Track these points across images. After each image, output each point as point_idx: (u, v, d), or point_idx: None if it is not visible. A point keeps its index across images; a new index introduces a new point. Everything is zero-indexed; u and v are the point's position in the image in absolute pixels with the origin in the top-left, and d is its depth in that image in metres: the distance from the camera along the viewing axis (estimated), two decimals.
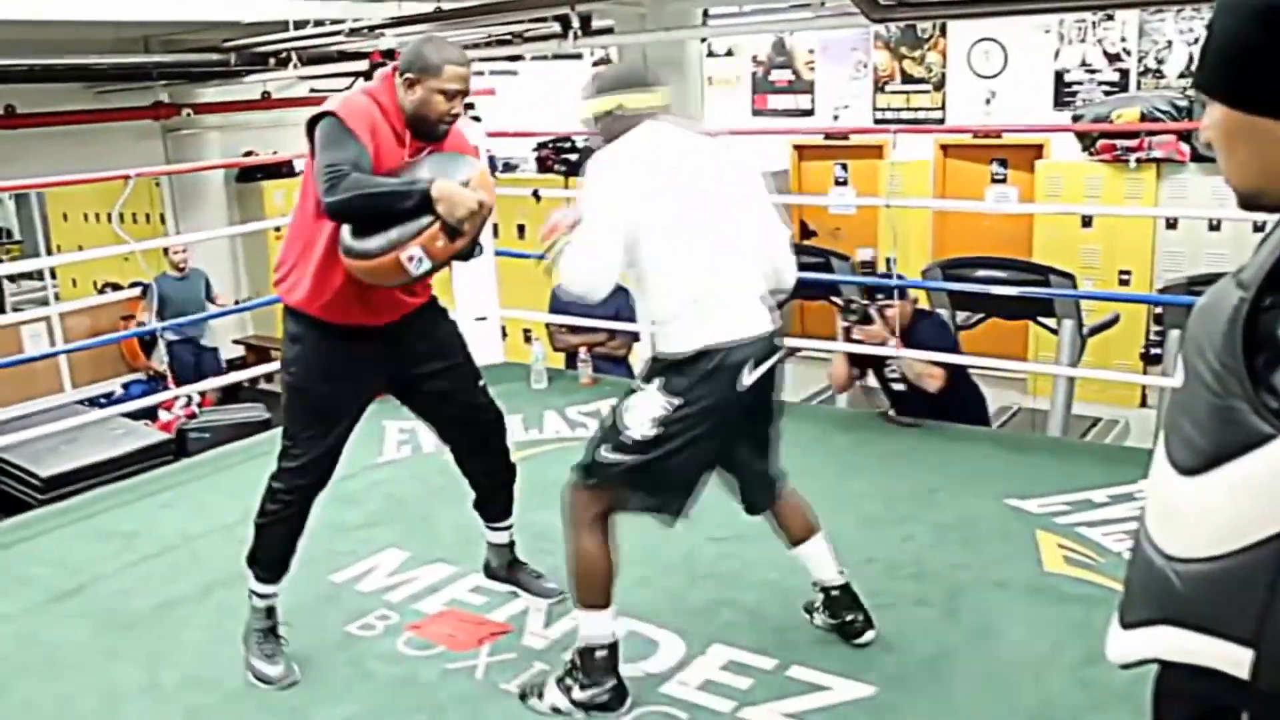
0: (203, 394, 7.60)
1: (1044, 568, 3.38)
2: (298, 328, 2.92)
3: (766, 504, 2.93)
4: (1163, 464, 1.16)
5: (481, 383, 3.19)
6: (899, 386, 4.70)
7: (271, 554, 2.96)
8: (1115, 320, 6.85)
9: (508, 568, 3.37)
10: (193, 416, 7.42)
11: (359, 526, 3.88)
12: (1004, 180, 9.64)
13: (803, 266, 5.13)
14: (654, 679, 2.84)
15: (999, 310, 6.52)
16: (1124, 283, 8.67)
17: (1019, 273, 6.16)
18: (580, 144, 9.71)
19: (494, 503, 3.30)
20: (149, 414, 7.50)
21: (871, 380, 4.86)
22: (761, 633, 3.05)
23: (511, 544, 3.37)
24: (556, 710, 2.74)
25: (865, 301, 4.65)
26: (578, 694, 2.72)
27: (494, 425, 3.20)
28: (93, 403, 8.74)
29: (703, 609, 3.18)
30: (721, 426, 2.65)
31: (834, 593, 3.01)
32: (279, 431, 3.04)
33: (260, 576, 2.98)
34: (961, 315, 6.60)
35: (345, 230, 2.72)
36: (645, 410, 2.60)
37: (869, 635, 3.00)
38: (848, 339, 4.71)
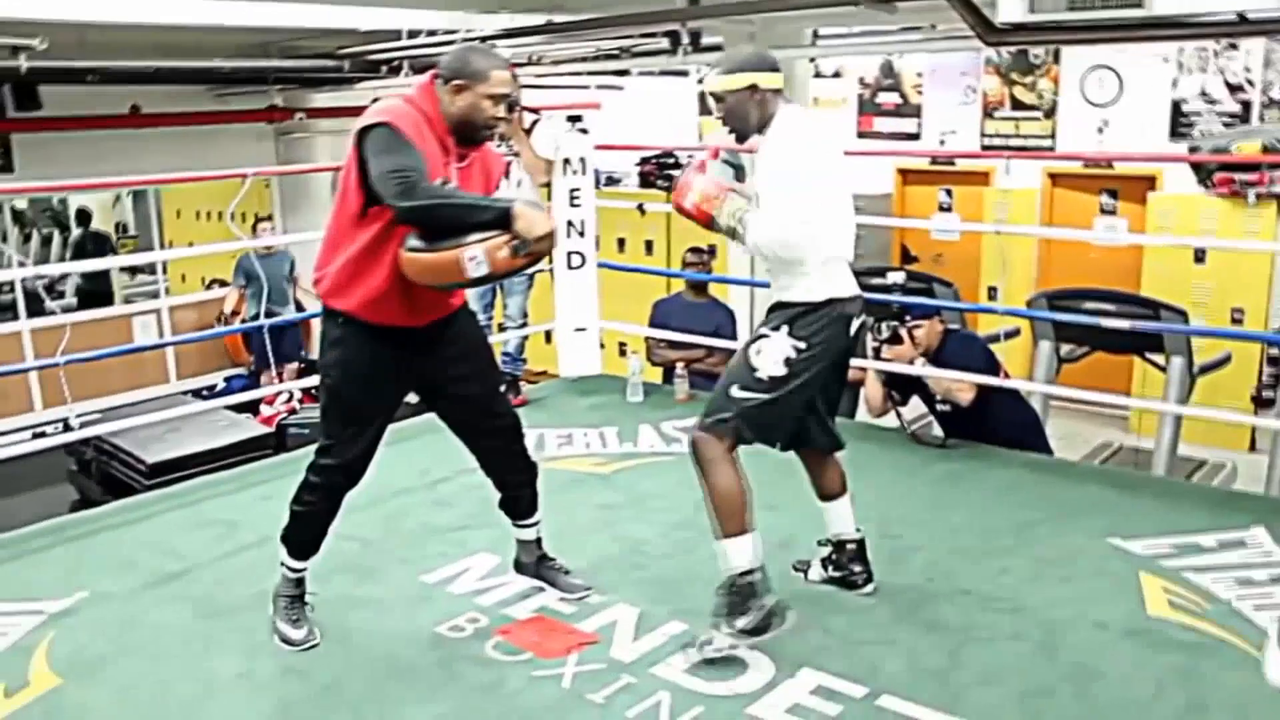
0: (305, 391, 7.73)
1: (1147, 610, 3.27)
2: (337, 331, 3.03)
3: (827, 448, 3.28)
4: None
5: (502, 389, 3.30)
6: (943, 407, 4.71)
7: (304, 537, 3.16)
8: (1227, 360, 6.63)
9: (536, 563, 3.46)
10: (293, 412, 7.58)
11: (452, 529, 3.92)
12: (1114, 211, 9.41)
13: (907, 292, 5.15)
14: (741, 699, 2.81)
15: (1106, 344, 6.36)
16: (1236, 321, 8.39)
17: (1128, 306, 5.99)
18: (683, 160, 9.71)
19: (518, 502, 3.40)
20: (250, 407, 7.69)
21: (917, 405, 4.84)
22: (852, 658, 3.00)
23: (538, 540, 3.46)
24: (734, 646, 2.93)
25: (895, 323, 4.69)
26: (742, 623, 2.92)
27: (512, 431, 3.30)
28: (196, 394, 8.99)
29: (793, 631, 3.13)
30: (827, 370, 3.07)
31: (849, 545, 3.35)
32: None
33: (293, 554, 3.17)
34: (1066, 348, 6.44)
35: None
36: (776, 352, 2.97)
37: (870, 587, 3.34)
38: (877, 359, 4.72)
